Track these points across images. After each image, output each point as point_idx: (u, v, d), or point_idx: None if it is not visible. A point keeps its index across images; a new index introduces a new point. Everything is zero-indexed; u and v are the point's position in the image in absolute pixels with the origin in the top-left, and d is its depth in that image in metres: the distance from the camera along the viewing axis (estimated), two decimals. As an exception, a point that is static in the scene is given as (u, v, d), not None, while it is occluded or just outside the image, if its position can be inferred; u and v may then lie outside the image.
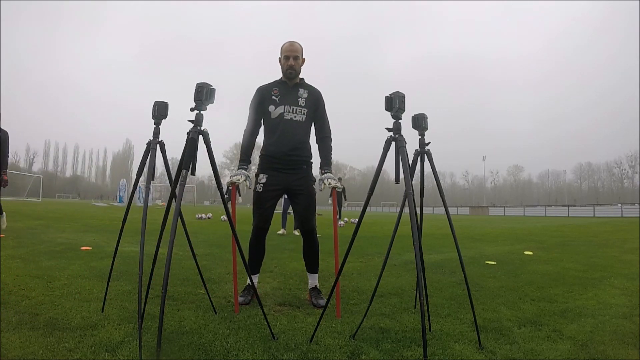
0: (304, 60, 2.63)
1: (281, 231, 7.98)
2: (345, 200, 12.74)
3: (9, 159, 5.68)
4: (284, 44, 2.61)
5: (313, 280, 2.70)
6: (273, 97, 2.59)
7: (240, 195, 12.14)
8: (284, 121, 2.56)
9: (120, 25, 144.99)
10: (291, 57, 2.55)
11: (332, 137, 2.70)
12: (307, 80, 2.69)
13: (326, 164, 2.62)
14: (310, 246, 2.67)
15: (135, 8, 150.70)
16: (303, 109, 2.60)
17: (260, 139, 2.75)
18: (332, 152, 2.67)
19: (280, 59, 2.61)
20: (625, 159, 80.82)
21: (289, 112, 2.57)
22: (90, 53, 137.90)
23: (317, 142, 2.69)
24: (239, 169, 2.52)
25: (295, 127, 2.58)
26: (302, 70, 2.64)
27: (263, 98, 2.60)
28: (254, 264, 2.63)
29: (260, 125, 2.66)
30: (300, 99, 2.60)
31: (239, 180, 2.42)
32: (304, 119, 2.60)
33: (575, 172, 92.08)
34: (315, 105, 2.65)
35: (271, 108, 2.58)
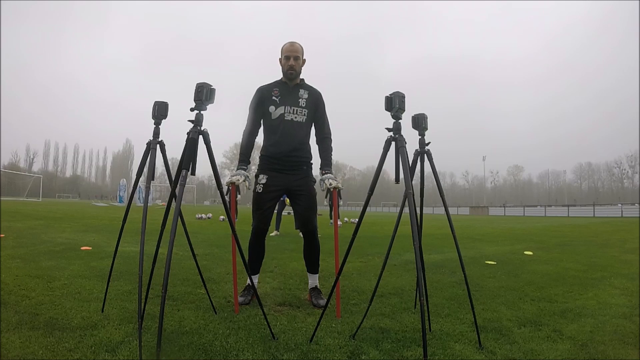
0: (304, 60, 2.63)
1: (274, 233, 7.90)
2: (340, 199, 12.73)
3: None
4: (284, 45, 2.61)
5: (313, 280, 2.70)
6: (273, 98, 2.58)
7: (240, 194, 12.15)
8: (285, 122, 2.56)
9: (120, 25, 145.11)
10: (292, 57, 2.55)
11: (332, 137, 2.70)
12: (307, 81, 2.69)
13: (326, 164, 2.62)
14: (311, 246, 2.67)
15: (135, 8, 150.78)
16: (303, 109, 2.60)
17: (259, 139, 2.75)
18: (332, 153, 2.68)
19: (280, 59, 2.61)
20: (625, 159, 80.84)
21: (290, 113, 2.57)
22: (91, 53, 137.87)
23: (317, 143, 2.69)
24: (238, 169, 2.52)
25: (296, 128, 2.57)
26: (302, 71, 2.64)
27: (263, 98, 2.60)
28: (254, 265, 2.62)
29: (260, 126, 2.66)
30: (300, 100, 2.60)
31: (238, 180, 2.42)
32: (304, 120, 2.60)
33: (575, 172, 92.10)
34: (316, 105, 2.64)
35: (271, 109, 2.58)
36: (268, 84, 2.65)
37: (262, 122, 2.65)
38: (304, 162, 2.63)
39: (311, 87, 2.67)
